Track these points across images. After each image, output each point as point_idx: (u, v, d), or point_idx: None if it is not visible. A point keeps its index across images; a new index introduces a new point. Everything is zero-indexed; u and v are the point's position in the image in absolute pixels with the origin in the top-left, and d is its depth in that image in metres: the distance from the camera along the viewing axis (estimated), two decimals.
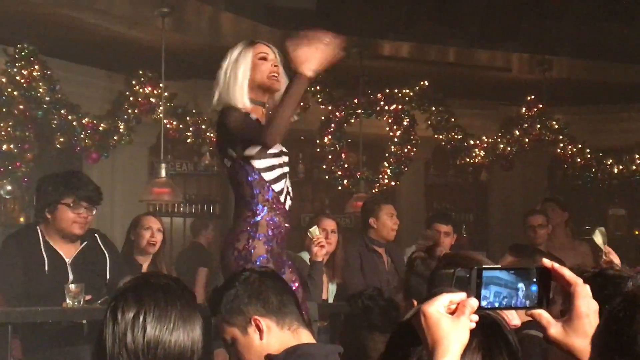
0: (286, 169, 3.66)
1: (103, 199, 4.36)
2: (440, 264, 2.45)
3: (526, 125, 9.11)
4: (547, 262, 1.50)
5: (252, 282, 2.53)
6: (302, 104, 8.06)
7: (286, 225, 3.61)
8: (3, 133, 6.82)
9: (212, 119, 7.64)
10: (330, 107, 8.50)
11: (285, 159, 3.67)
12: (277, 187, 3.57)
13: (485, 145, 9.09)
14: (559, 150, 9.23)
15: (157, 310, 1.96)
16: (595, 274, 1.88)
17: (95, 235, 4.37)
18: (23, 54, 6.93)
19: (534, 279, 1.47)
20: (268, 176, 3.55)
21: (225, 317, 2.51)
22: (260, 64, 3.56)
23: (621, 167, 9.25)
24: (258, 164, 3.53)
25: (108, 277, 4.29)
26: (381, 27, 8.05)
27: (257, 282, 2.52)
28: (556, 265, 1.51)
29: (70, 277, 4.15)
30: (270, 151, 3.53)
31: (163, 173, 6.89)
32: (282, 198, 3.60)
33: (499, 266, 1.49)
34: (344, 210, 8.47)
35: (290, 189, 3.66)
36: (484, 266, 1.46)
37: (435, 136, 8.95)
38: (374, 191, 8.53)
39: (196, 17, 7.31)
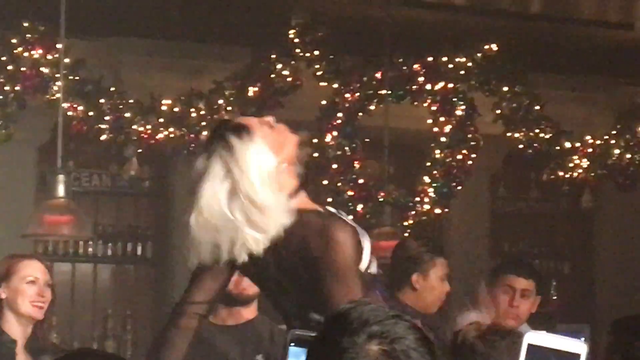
0: None
1: None
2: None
3: None
4: None
5: None
6: (290, 80, 8.14)
7: None
8: None
9: (143, 102, 7.69)
10: (336, 85, 8.53)
11: None
12: None
13: (590, 149, 9.12)
14: None
15: None
16: None
17: None
18: None
19: None
20: None
21: None
22: None
23: None
24: None
25: None
26: None
27: None
28: None
29: None
30: None
31: (61, 190, 6.84)
32: None
33: None
34: None
35: None
36: None
37: (509, 134, 9.01)
38: (406, 223, 8.59)
39: None
